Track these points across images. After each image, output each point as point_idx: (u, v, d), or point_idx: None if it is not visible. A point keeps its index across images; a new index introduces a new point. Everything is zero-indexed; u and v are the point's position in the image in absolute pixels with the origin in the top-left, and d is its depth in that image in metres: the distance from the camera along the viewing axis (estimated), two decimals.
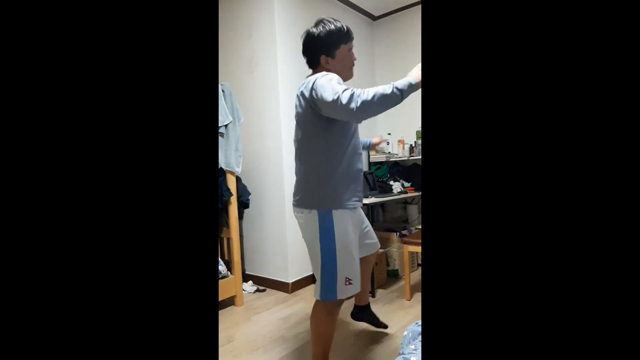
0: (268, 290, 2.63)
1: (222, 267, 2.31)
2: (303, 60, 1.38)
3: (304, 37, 1.35)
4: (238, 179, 2.46)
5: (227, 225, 2.33)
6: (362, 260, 1.58)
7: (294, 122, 2.55)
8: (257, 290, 2.62)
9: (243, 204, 2.56)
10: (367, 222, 1.58)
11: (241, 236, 2.75)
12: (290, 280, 2.56)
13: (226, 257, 2.46)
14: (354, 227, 1.36)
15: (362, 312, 1.81)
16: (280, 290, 2.59)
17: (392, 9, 3.26)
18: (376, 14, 3.34)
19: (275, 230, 2.60)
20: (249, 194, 2.62)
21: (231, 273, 2.35)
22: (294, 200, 1.37)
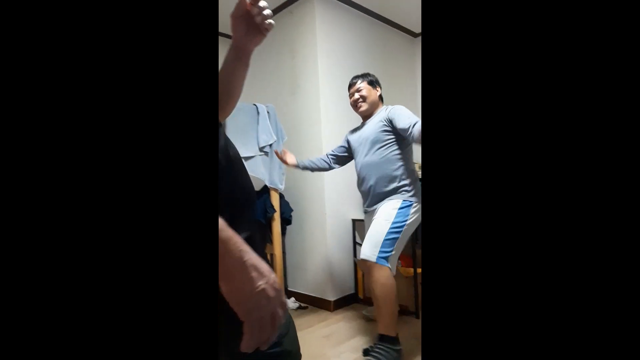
0: (310, 307, 2.63)
1: None
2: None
3: None
4: (281, 196, 2.52)
5: (271, 241, 2.39)
6: None
7: (334, 140, 2.60)
8: (300, 307, 2.63)
9: (286, 220, 2.61)
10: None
11: (284, 252, 2.79)
12: (332, 298, 2.54)
13: None
14: None
15: None
16: (322, 308, 2.57)
17: None
18: (417, 30, 3.34)
19: (316, 247, 2.61)
20: (292, 210, 2.67)
21: None
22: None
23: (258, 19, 0.69)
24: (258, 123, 2.28)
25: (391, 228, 1.66)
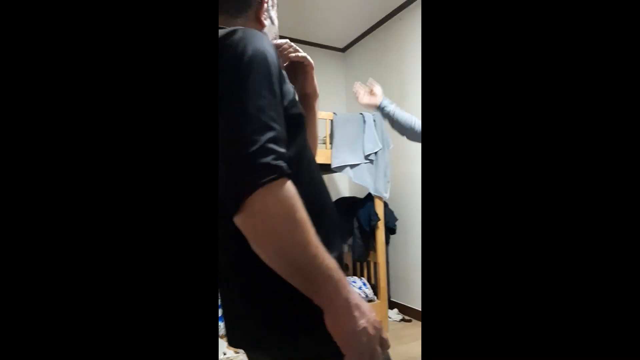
0: (414, 321, 2.53)
1: (368, 291, 2.35)
2: None
3: None
4: (385, 205, 2.50)
5: (374, 249, 2.38)
6: None
7: None
8: (403, 320, 2.55)
9: (390, 229, 2.57)
10: None
11: (387, 262, 2.75)
12: None
13: (372, 282, 2.49)
14: None
15: None
16: None
17: None
18: None
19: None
20: (396, 219, 2.62)
21: (377, 298, 2.36)
22: None
23: (283, 56, 0.68)
24: (364, 132, 2.32)
25: None
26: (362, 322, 0.48)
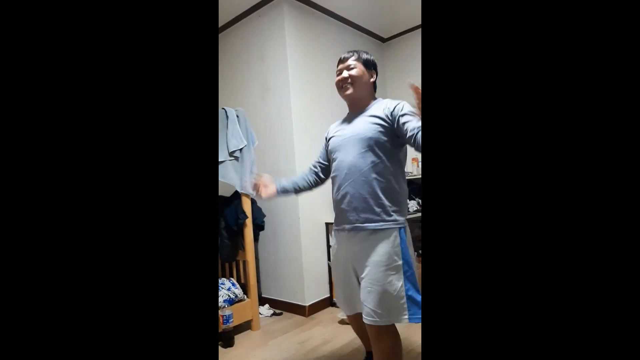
0: (285, 313, 2.59)
1: (238, 291, 2.29)
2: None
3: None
4: (253, 202, 2.48)
5: (243, 247, 2.34)
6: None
7: (305, 144, 2.59)
8: (274, 314, 2.58)
9: (258, 226, 2.56)
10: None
11: (257, 259, 2.74)
12: (307, 303, 2.52)
13: (242, 280, 2.45)
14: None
15: None
16: (297, 313, 2.54)
17: (401, 30, 3.31)
18: (385, 36, 3.40)
19: (290, 252, 2.59)
20: (264, 216, 2.63)
21: (247, 296, 2.33)
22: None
23: None
24: (227, 127, 2.24)
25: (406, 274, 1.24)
26: None
